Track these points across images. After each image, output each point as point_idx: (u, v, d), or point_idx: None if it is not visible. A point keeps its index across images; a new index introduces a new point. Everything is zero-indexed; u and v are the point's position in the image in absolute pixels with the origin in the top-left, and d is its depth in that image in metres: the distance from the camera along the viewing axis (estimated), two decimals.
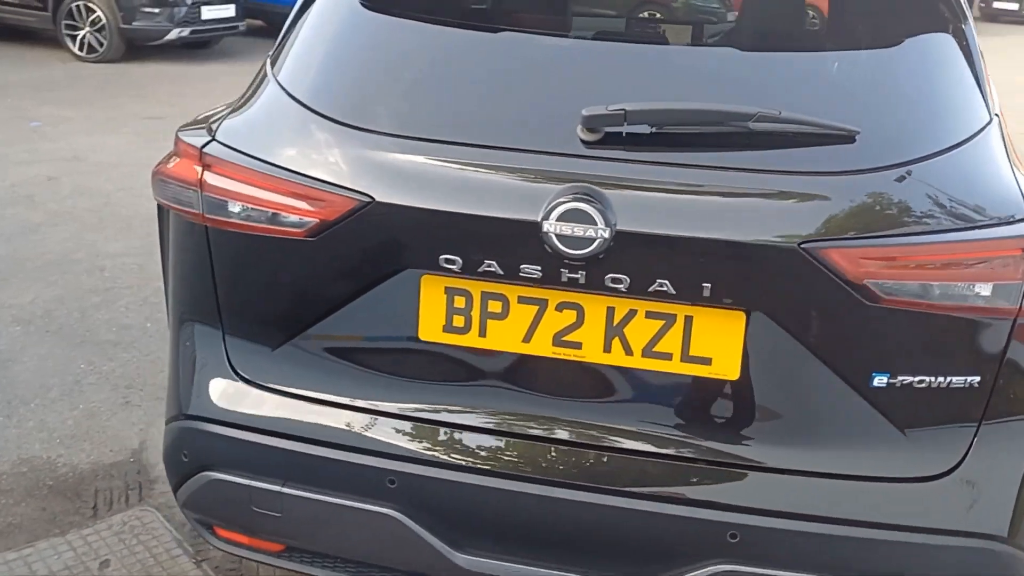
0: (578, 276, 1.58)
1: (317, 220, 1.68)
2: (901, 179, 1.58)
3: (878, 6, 1.84)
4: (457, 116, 1.71)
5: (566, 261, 1.57)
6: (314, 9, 1.90)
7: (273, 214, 1.72)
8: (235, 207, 1.75)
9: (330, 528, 1.83)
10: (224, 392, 1.87)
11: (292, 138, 1.74)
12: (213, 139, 1.80)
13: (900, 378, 1.60)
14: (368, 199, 1.65)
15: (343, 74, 1.82)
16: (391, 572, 1.88)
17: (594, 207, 1.54)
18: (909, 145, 1.62)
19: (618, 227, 1.54)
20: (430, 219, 1.64)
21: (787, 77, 1.74)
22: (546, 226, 1.56)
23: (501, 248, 1.61)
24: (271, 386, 1.84)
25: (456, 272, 1.64)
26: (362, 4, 1.84)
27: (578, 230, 1.54)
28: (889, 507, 1.64)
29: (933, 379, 1.60)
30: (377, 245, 1.69)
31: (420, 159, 1.65)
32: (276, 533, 1.89)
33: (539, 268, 1.59)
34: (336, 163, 1.69)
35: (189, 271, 1.91)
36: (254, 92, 1.91)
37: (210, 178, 1.76)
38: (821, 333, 1.61)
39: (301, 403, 1.82)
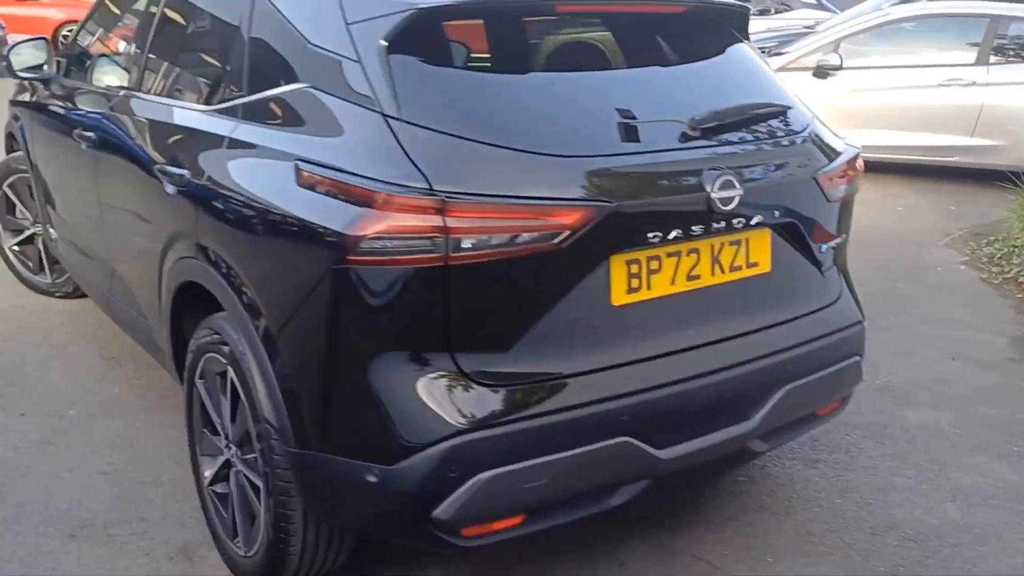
0: (721, 225, 2.38)
1: (568, 231, 2.14)
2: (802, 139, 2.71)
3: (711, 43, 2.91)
4: (627, 134, 2.33)
5: (718, 216, 2.36)
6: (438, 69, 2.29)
7: (524, 236, 2.11)
8: (482, 240, 2.09)
9: (580, 472, 2.28)
10: (473, 401, 2.16)
11: (520, 174, 2.16)
12: (431, 187, 2.07)
13: (827, 245, 2.76)
14: (608, 203, 2.18)
15: (538, 121, 2.29)
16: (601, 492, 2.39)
17: (735, 176, 2.36)
18: (799, 120, 2.76)
19: (745, 186, 2.39)
20: (647, 209, 2.26)
21: (717, 82, 2.72)
22: (713, 194, 2.32)
23: (683, 216, 2.32)
24: (514, 382, 2.20)
25: (655, 243, 2.29)
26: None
27: (730, 193, 2.35)
28: (833, 320, 2.80)
29: (838, 241, 2.80)
30: (601, 239, 2.22)
31: (629, 168, 2.26)
32: (533, 502, 2.25)
33: (702, 226, 2.35)
34: (573, 184, 2.18)
35: (406, 310, 2.14)
36: (380, 136, 2.18)
37: (457, 221, 2.06)
38: (803, 229, 2.66)
39: (544, 384, 2.23)
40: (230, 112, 2.66)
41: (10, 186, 4.93)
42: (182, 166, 2.73)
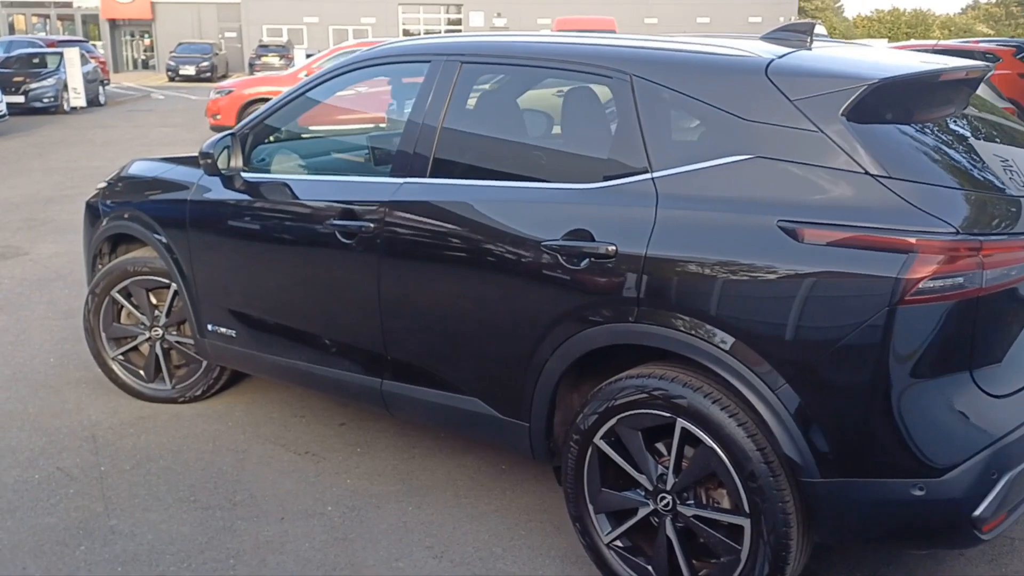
0: None
1: None
2: None
3: None
4: None
5: None
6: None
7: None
8: (1003, 273, 2.48)
9: None
10: (993, 411, 2.55)
11: (1007, 213, 2.56)
12: (958, 231, 2.43)
13: None
14: None
15: (987, 166, 2.73)
16: None
17: None
18: None
19: None
20: None
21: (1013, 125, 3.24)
22: None
23: None
24: (1009, 392, 2.61)
25: None
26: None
27: None
28: None
29: None
30: None
31: None
32: (1019, 499, 2.62)
33: None
34: None
35: (941, 339, 2.47)
36: (876, 193, 2.51)
37: (989, 258, 2.44)
38: None
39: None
40: (639, 186, 2.87)
41: (122, 291, 4.66)
42: (591, 240, 2.90)
